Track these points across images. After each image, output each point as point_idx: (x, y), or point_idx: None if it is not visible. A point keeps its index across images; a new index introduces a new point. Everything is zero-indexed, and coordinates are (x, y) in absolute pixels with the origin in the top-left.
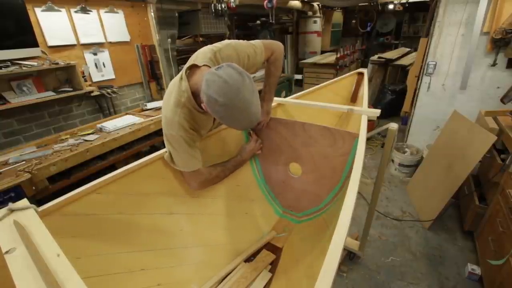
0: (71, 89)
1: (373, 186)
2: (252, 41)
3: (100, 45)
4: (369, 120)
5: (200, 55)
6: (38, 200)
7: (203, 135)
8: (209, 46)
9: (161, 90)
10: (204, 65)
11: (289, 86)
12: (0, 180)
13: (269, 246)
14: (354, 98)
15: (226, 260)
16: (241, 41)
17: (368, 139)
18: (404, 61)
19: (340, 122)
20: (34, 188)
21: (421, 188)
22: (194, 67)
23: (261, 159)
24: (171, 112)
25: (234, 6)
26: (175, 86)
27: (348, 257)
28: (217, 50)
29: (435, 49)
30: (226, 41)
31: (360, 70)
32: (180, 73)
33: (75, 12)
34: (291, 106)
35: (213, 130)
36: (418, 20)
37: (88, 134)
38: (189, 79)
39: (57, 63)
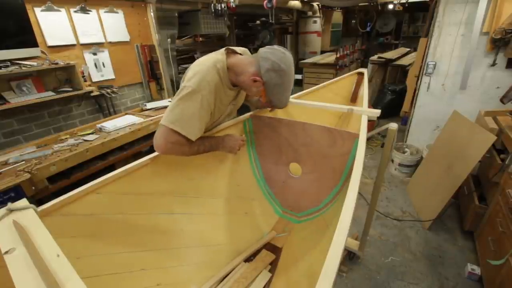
0: (70, 89)
1: (373, 186)
2: None
3: (99, 45)
4: (369, 120)
5: (236, 48)
6: (38, 200)
7: (212, 119)
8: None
9: (161, 90)
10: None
11: None
12: (0, 180)
13: (269, 246)
14: (354, 98)
15: (226, 260)
16: None
17: (368, 139)
18: (404, 61)
19: (340, 122)
20: (34, 188)
21: (421, 188)
22: (231, 51)
23: (261, 159)
24: (206, 68)
25: (234, 6)
26: (211, 56)
27: (348, 257)
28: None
29: (435, 49)
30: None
31: (360, 70)
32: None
33: (75, 12)
34: (291, 106)
35: (209, 132)
36: (418, 20)
37: (88, 134)
38: (226, 56)
39: (56, 63)
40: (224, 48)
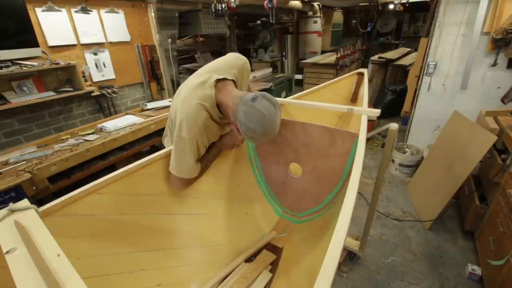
0: (71, 89)
1: (374, 186)
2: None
3: (100, 45)
4: (369, 120)
5: (226, 68)
6: (38, 200)
7: (206, 146)
8: (232, 58)
9: (161, 90)
10: (231, 79)
11: (289, 86)
12: (0, 180)
13: (270, 246)
14: (354, 98)
15: (226, 260)
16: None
17: (368, 139)
18: (405, 61)
19: (340, 122)
20: (34, 188)
21: (421, 188)
22: (222, 79)
23: (261, 160)
24: (192, 112)
25: (234, 6)
26: (198, 89)
27: (349, 257)
28: (239, 67)
29: (436, 49)
30: (244, 59)
31: (361, 70)
32: (201, 77)
33: (76, 12)
34: (291, 106)
35: None
36: (419, 20)
37: (89, 134)
38: (216, 90)
39: (57, 63)
40: (214, 80)
